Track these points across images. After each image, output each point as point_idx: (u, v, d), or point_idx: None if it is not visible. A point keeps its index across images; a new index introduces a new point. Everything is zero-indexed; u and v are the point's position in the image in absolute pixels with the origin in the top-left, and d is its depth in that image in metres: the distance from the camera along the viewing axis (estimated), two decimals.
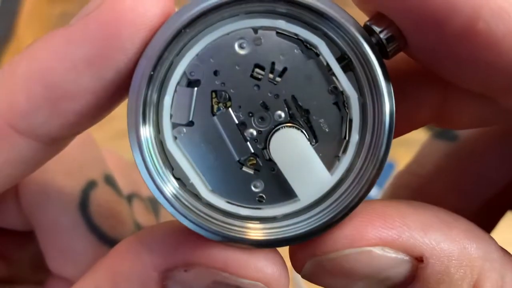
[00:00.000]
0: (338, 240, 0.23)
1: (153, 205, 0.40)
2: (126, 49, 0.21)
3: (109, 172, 0.34)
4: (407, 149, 0.40)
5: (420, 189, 0.38)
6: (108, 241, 0.32)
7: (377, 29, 0.22)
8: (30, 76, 0.22)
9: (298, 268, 0.24)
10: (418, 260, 0.23)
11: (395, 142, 0.36)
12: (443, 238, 0.24)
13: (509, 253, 0.25)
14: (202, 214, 0.22)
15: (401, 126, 0.23)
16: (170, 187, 0.22)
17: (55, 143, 0.24)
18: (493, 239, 0.25)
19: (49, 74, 0.22)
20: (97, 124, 0.25)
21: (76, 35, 0.21)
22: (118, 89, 0.22)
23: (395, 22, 0.22)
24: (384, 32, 0.22)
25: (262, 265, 0.22)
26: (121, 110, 0.25)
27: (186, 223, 0.22)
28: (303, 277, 0.24)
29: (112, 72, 0.21)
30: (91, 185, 0.32)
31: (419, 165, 0.39)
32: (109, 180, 0.34)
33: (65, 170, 0.28)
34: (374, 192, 0.56)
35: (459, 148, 0.37)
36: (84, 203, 0.31)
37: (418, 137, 0.38)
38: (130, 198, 0.38)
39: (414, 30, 0.22)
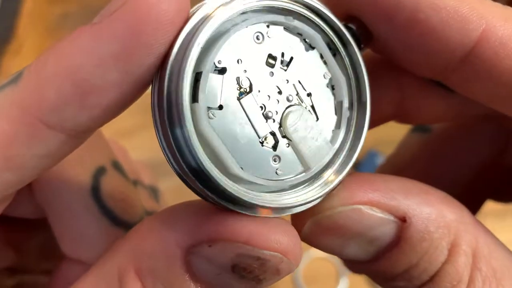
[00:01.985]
0: (333, 201, 0.27)
1: (153, 193, 0.41)
2: (150, 45, 0.22)
3: (115, 159, 0.35)
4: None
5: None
6: (120, 223, 0.33)
7: (351, 27, 0.28)
8: (59, 73, 0.23)
9: (299, 229, 0.27)
10: (402, 221, 0.26)
11: (393, 142, 0.37)
12: (422, 201, 0.27)
13: (479, 221, 0.28)
14: (233, 187, 0.24)
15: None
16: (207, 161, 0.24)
17: (80, 135, 0.25)
18: (465, 207, 0.28)
19: (78, 70, 0.22)
20: None
21: (104, 32, 0.22)
22: (142, 82, 0.23)
23: (363, 21, 0.27)
24: (357, 29, 0.28)
25: (280, 237, 0.24)
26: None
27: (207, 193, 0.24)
28: (303, 239, 0.27)
29: (137, 67, 0.23)
30: (101, 171, 0.33)
31: (397, 156, 0.43)
32: (117, 166, 0.35)
33: (76, 157, 0.28)
34: None
35: (431, 139, 0.41)
36: (96, 188, 0.33)
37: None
38: (134, 184, 0.39)
39: (373, 23, 0.27)
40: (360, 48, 0.28)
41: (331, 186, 0.26)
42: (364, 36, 0.28)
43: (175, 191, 0.24)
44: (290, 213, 0.26)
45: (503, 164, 0.40)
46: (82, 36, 0.23)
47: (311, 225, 0.27)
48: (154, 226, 0.25)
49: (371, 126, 0.33)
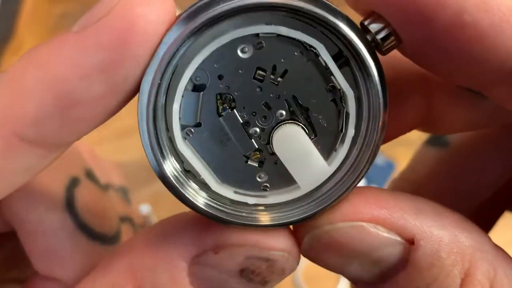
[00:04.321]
0: (334, 215, 0.25)
1: (123, 193, 0.40)
2: (137, 56, 0.21)
3: (88, 167, 0.34)
4: (407, 149, 0.41)
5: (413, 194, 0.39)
6: (96, 237, 0.32)
7: (372, 27, 0.23)
8: (40, 85, 0.22)
9: (299, 241, 0.26)
10: (410, 243, 0.24)
11: (395, 142, 0.36)
12: (434, 224, 0.24)
13: (501, 248, 0.26)
14: (212, 203, 0.24)
15: (387, 131, 0.24)
16: (172, 169, 0.24)
17: (60, 148, 0.24)
18: (485, 233, 0.26)
19: (60, 82, 0.21)
20: None
21: (88, 42, 0.21)
22: (127, 94, 0.23)
23: (388, 20, 0.23)
24: (379, 30, 0.23)
25: (284, 238, 0.24)
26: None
27: (198, 209, 0.24)
28: (303, 254, 0.26)
29: (123, 78, 0.22)
30: (74, 182, 0.32)
31: (412, 171, 0.40)
32: (90, 175, 0.34)
33: (47, 169, 0.26)
34: None
35: (451, 154, 0.38)
36: (70, 201, 0.31)
37: (418, 137, 0.39)
38: (106, 188, 0.38)
39: (405, 26, 0.23)
40: (381, 53, 0.24)
41: (326, 204, 0.24)
42: (388, 40, 0.23)
43: None
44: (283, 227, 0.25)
45: None
46: (65, 44, 0.22)
47: (309, 240, 0.25)
48: (153, 239, 0.25)
49: (393, 137, 0.32)
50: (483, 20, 0.21)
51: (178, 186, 0.24)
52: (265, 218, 0.24)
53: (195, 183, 0.25)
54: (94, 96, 0.22)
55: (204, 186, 0.25)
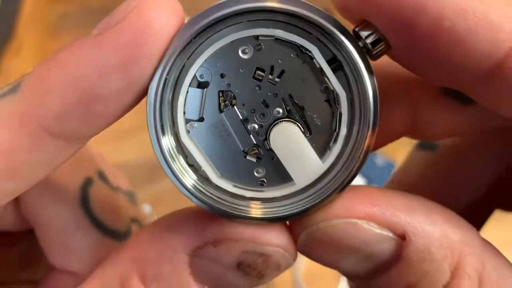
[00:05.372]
0: (328, 213, 0.26)
1: (131, 197, 0.42)
2: (151, 55, 0.23)
3: (101, 169, 0.36)
4: (408, 149, 0.41)
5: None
6: (109, 233, 0.34)
7: (363, 34, 0.25)
8: (63, 83, 0.23)
9: (295, 237, 0.26)
10: (402, 239, 0.25)
11: (395, 142, 0.37)
12: (424, 220, 0.25)
13: (489, 243, 0.27)
14: (213, 196, 0.25)
15: (377, 135, 0.26)
16: (186, 174, 0.25)
17: (80, 142, 0.26)
18: (474, 228, 0.27)
19: (82, 80, 0.23)
20: None
21: (107, 43, 0.23)
22: (141, 90, 0.24)
23: (377, 26, 0.25)
24: (370, 37, 0.25)
25: (280, 234, 0.26)
26: None
27: (199, 204, 0.25)
28: (299, 250, 0.27)
29: (138, 76, 0.24)
30: (88, 182, 0.34)
31: (403, 174, 0.41)
32: (102, 176, 0.36)
33: (63, 169, 0.28)
34: None
35: (440, 156, 0.39)
36: (85, 199, 0.33)
37: None
38: (116, 190, 0.39)
39: (392, 31, 0.25)
40: (372, 58, 0.26)
41: (320, 199, 0.25)
42: (378, 45, 0.25)
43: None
44: (278, 222, 0.26)
45: None
46: (85, 46, 0.23)
47: (305, 237, 0.26)
48: (156, 232, 0.26)
49: (381, 144, 0.33)
50: (461, 25, 0.23)
51: (180, 175, 0.25)
52: (260, 212, 0.25)
53: (197, 176, 0.26)
54: (112, 92, 0.24)
55: (205, 179, 0.26)
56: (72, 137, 0.25)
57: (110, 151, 0.81)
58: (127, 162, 0.83)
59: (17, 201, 0.33)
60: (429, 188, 0.39)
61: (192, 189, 0.25)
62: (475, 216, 0.28)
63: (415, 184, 0.39)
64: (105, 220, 0.34)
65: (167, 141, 0.25)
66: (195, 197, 0.25)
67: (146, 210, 0.70)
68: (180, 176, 0.25)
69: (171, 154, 0.25)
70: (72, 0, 1.00)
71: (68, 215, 0.33)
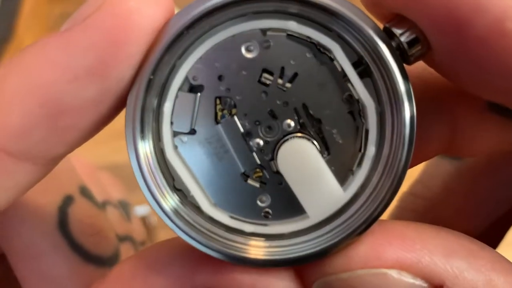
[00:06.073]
0: (351, 259, 0.22)
1: (124, 208, 0.40)
2: (132, 55, 0.20)
3: (83, 183, 0.33)
4: None
5: (427, 213, 0.37)
6: (92, 259, 0.31)
7: (397, 31, 0.21)
8: (24, 92, 0.20)
9: (305, 285, 0.23)
10: None
11: None
12: (467, 267, 0.22)
13: None
14: (203, 230, 0.21)
15: (413, 154, 0.22)
16: (170, 200, 0.21)
17: (51, 162, 0.23)
18: None
19: (46, 88, 0.20)
20: None
21: (76, 42, 0.20)
22: (120, 98, 0.21)
23: (417, 24, 0.21)
24: (406, 35, 0.21)
25: (288, 284, 0.22)
26: None
27: (186, 239, 0.21)
28: None
29: (116, 81, 0.20)
30: (68, 201, 0.31)
31: (424, 187, 0.38)
32: (85, 192, 0.32)
33: (38, 187, 0.25)
34: None
35: (466, 167, 0.36)
36: (63, 221, 0.30)
37: None
38: (104, 206, 0.37)
39: (437, 31, 0.21)
40: (407, 62, 0.21)
41: (338, 239, 0.21)
42: (416, 46, 0.21)
43: None
44: (285, 267, 0.22)
45: None
46: (50, 47, 0.20)
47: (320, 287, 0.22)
48: (137, 272, 0.23)
49: (415, 164, 0.29)
50: None
51: (163, 202, 0.21)
52: (262, 252, 0.21)
53: (185, 205, 0.22)
54: (84, 102, 0.20)
55: (195, 208, 0.22)
56: (38, 158, 0.21)
57: (109, 151, 0.79)
58: (126, 163, 0.82)
59: None
60: (454, 203, 0.36)
61: (177, 220, 0.21)
62: (496, 232, 0.25)
63: (438, 198, 0.36)
64: (86, 244, 0.30)
65: (149, 158, 0.21)
66: (182, 230, 0.21)
67: (142, 211, 0.70)
68: (163, 203, 0.21)
69: (152, 176, 0.21)
70: (72, 0, 1.02)
71: (44, 240, 0.29)
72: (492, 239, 0.24)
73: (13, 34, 0.96)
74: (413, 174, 0.39)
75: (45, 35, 0.21)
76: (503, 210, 0.35)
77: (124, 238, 0.37)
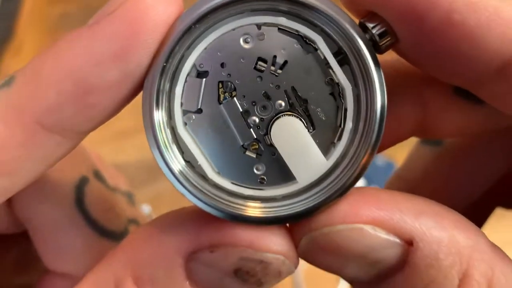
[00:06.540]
0: (332, 217, 0.24)
1: (130, 199, 0.41)
2: (148, 44, 0.23)
3: (96, 167, 0.35)
4: (407, 150, 0.41)
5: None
6: (106, 234, 0.33)
7: (370, 25, 0.24)
8: (58, 74, 0.23)
9: (296, 241, 0.25)
10: (408, 244, 0.24)
11: None
12: (433, 225, 0.24)
13: (498, 247, 0.26)
14: (208, 193, 0.24)
15: (383, 140, 0.25)
16: (179, 166, 0.24)
17: (76, 137, 0.25)
18: (483, 232, 0.26)
19: (77, 70, 0.23)
20: None
21: (102, 32, 0.23)
22: (139, 81, 0.24)
23: (385, 18, 0.24)
24: (377, 28, 0.24)
25: (281, 240, 0.24)
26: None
27: (193, 200, 0.24)
28: (300, 256, 0.26)
29: (135, 66, 0.23)
30: (84, 181, 0.33)
31: (407, 170, 0.40)
32: (98, 175, 0.35)
33: (57, 168, 0.27)
34: None
35: (444, 152, 0.38)
36: (80, 199, 0.32)
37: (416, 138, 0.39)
38: (114, 191, 0.39)
39: (400, 24, 0.24)
40: (379, 51, 0.25)
41: (323, 199, 0.24)
42: (385, 37, 0.24)
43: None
44: (278, 224, 0.25)
45: None
46: (80, 36, 0.23)
47: (308, 242, 0.25)
48: (152, 234, 0.25)
49: (389, 145, 0.32)
50: (471, 20, 0.22)
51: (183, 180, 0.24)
52: (258, 212, 0.24)
53: (193, 173, 0.25)
54: (108, 83, 0.23)
55: (201, 177, 0.25)
56: (67, 131, 0.24)
57: (110, 152, 0.81)
58: (127, 163, 0.82)
59: (10, 203, 0.32)
60: (432, 185, 0.38)
61: (186, 183, 0.24)
62: (476, 215, 0.27)
63: (419, 180, 0.39)
64: (101, 220, 0.33)
65: (163, 131, 0.24)
66: (190, 192, 0.24)
67: (146, 210, 0.70)
68: (174, 168, 0.24)
69: (166, 145, 0.24)
70: (72, 0, 1.00)
71: (62, 215, 0.32)
72: (475, 219, 0.27)
73: (13, 34, 0.97)
74: (403, 159, 0.41)
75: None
76: (479, 192, 0.38)
77: (131, 221, 0.38)
